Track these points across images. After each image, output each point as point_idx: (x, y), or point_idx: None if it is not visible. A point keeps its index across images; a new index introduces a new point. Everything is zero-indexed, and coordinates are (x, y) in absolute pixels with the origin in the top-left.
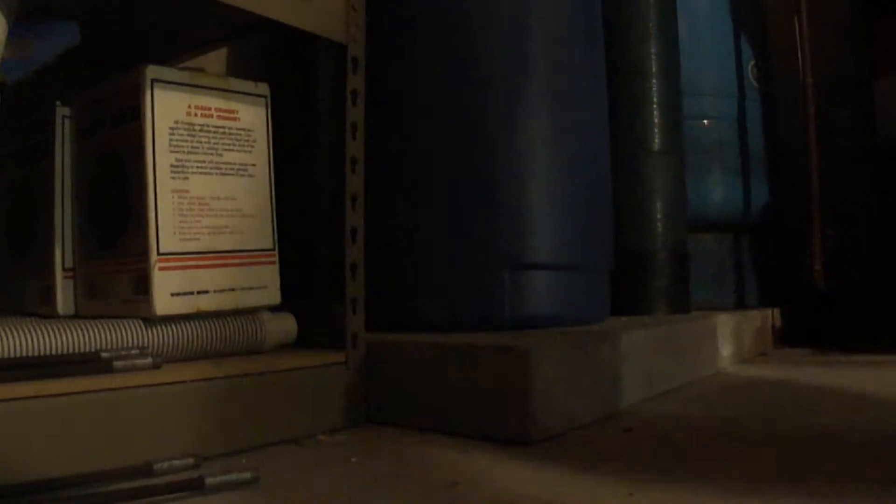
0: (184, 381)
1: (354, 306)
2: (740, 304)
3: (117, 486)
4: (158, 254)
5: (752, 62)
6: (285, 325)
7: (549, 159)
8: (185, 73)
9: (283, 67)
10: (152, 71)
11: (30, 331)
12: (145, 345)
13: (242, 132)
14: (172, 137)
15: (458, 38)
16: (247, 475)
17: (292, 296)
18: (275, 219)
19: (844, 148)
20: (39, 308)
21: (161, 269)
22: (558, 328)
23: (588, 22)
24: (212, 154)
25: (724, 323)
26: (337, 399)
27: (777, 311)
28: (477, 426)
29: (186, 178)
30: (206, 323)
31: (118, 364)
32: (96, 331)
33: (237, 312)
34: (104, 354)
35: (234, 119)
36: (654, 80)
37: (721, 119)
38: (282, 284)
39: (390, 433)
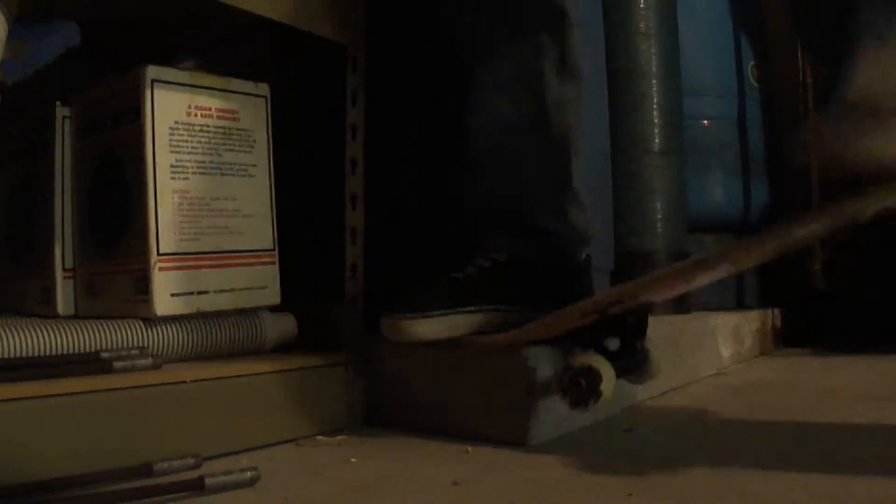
0: (184, 381)
1: (354, 306)
2: (740, 304)
3: (117, 486)
4: (158, 254)
5: (752, 62)
6: (285, 325)
7: None
8: (185, 74)
9: (283, 67)
10: (152, 71)
11: (30, 331)
12: (145, 345)
13: (242, 132)
14: (172, 138)
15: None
16: (247, 475)
17: (292, 296)
18: (275, 219)
19: None
20: (39, 308)
21: (161, 269)
22: None
23: (588, 22)
24: (212, 154)
25: (724, 323)
26: (336, 399)
27: (777, 311)
28: (477, 427)
29: (186, 179)
30: (207, 323)
31: (118, 364)
32: (96, 331)
33: (237, 312)
34: (104, 354)
35: (234, 119)
36: (654, 80)
37: (721, 119)
38: (282, 284)
39: (390, 433)
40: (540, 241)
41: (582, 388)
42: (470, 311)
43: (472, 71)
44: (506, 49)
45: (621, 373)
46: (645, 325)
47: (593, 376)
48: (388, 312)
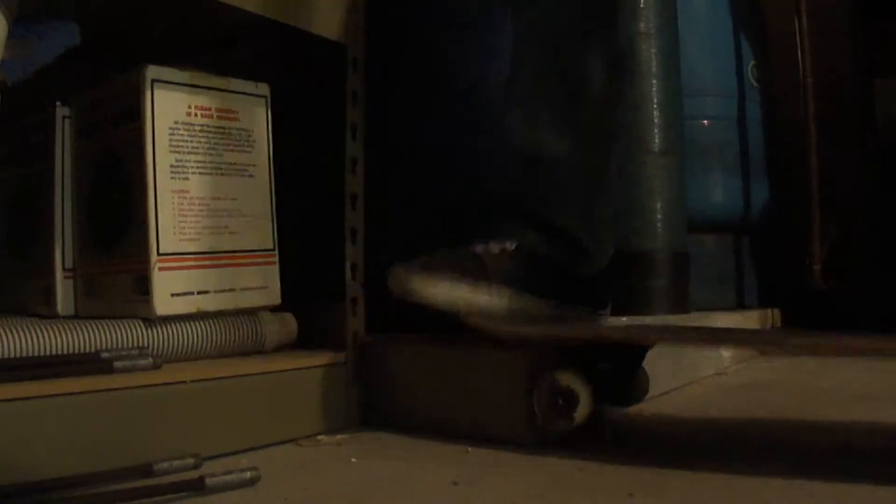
0: (184, 382)
1: (354, 306)
2: (740, 305)
3: (117, 486)
4: (158, 254)
5: (752, 62)
6: (285, 326)
7: None
8: (184, 74)
9: (283, 67)
10: (152, 71)
11: (30, 331)
12: (145, 345)
13: (242, 132)
14: (172, 138)
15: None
16: (247, 475)
17: (292, 296)
18: (275, 219)
19: (844, 148)
20: (39, 308)
21: (161, 269)
22: None
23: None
24: (212, 154)
25: (724, 323)
26: (337, 399)
27: (777, 312)
28: (477, 427)
29: (186, 179)
30: (207, 323)
31: (118, 364)
32: (96, 331)
33: (237, 313)
34: (104, 355)
35: (234, 119)
36: (654, 80)
37: (721, 119)
38: (282, 284)
39: (390, 433)
40: (565, 242)
41: (557, 408)
42: (480, 289)
43: (514, 62)
44: (547, 36)
45: (608, 398)
46: (643, 356)
47: (571, 401)
48: (401, 263)
